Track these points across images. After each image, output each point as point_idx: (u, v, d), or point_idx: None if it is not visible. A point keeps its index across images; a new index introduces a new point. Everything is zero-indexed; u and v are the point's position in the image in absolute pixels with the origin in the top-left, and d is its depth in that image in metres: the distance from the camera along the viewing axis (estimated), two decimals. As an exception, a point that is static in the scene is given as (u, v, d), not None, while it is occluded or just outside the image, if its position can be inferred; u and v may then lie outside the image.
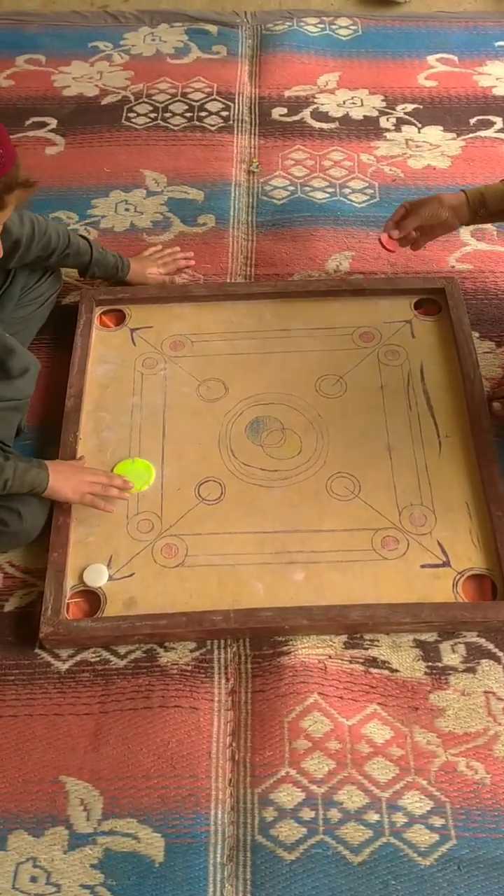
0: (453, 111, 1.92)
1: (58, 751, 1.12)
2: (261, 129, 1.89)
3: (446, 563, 1.24)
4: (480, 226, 1.68)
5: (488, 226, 1.68)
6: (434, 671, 1.17)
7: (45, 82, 2.01)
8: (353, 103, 1.94)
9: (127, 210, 1.74)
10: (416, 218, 1.40)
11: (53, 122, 1.91)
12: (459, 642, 1.19)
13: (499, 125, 1.88)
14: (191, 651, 1.19)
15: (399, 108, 1.93)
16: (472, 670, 1.17)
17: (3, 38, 2.13)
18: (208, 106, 1.94)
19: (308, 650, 1.18)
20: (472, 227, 1.67)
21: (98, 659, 1.19)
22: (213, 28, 2.14)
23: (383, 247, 1.43)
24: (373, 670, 1.17)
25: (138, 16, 2.19)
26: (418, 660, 1.18)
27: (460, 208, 1.39)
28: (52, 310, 1.54)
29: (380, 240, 1.44)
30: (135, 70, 2.04)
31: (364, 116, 1.91)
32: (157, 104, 1.95)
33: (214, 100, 1.96)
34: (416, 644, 1.19)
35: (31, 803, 1.08)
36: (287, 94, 1.97)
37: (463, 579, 1.23)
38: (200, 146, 1.86)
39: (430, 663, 1.18)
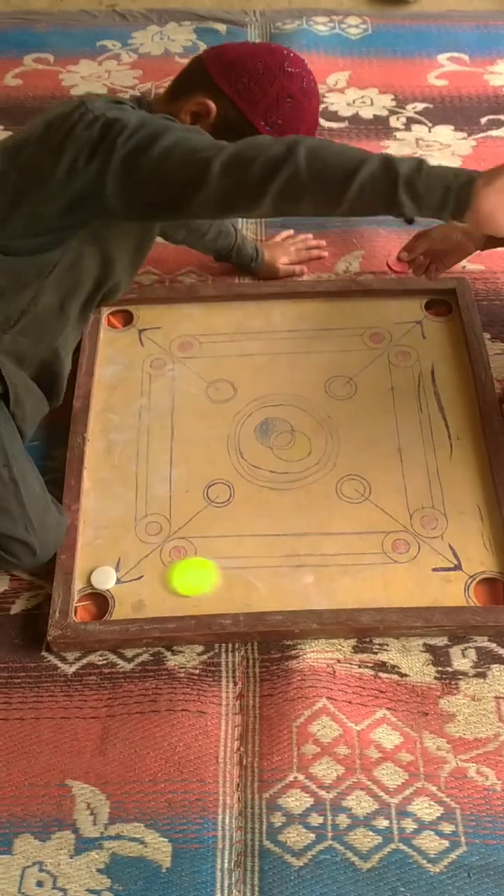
0: (464, 110, 1.90)
1: (64, 754, 1.11)
2: (270, 128, 1.88)
3: (458, 567, 1.23)
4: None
5: (499, 226, 1.66)
6: (444, 676, 1.16)
7: (53, 81, 2.01)
8: (363, 102, 1.93)
9: (135, 210, 1.73)
10: (426, 240, 1.38)
11: (62, 122, 1.90)
12: (470, 647, 1.18)
13: (510, 124, 1.87)
14: (198, 654, 1.19)
15: (409, 107, 1.92)
16: (482, 675, 1.16)
17: (12, 37, 2.13)
18: (217, 105, 1.93)
19: (317, 654, 1.17)
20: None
21: (105, 662, 1.18)
22: (221, 27, 2.13)
23: (391, 269, 1.41)
24: (382, 675, 1.16)
25: (147, 14, 2.18)
26: (428, 664, 1.17)
27: (473, 231, 1.35)
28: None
29: (387, 263, 1.42)
30: (143, 69, 2.03)
31: (374, 116, 1.90)
32: (166, 103, 1.94)
33: (223, 99, 1.94)
34: (426, 649, 1.18)
35: (37, 807, 1.08)
36: (296, 93, 1.95)
37: (474, 583, 1.22)
38: (209, 145, 1.85)
39: (440, 668, 1.17)
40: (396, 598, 1.20)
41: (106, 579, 1.23)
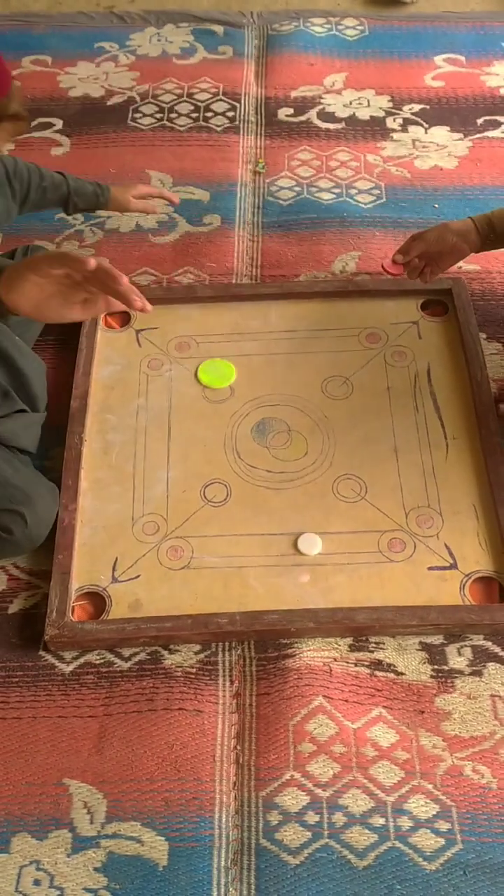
0: (460, 111, 1.91)
1: (62, 753, 1.12)
2: (267, 129, 1.89)
3: (453, 566, 1.24)
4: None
5: (495, 226, 1.67)
6: (440, 674, 1.16)
7: (51, 83, 2.01)
8: (360, 104, 1.94)
9: (133, 211, 1.73)
10: (421, 242, 1.38)
11: (59, 123, 1.91)
12: (466, 645, 1.19)
13: (506, 125, 1.88)
14: (195, 653, 1.19)
15: (406, 108, 1.92)
16: (478, 673, 1.16)
17: (10, 39, 2.13)
18: (214, 106, 1.94)
19: (313, 653, 1.18)
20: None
21: (102, 661, 1.19)
22: (219, 28, 2.13)
23: (386, 271, 1.41)
24: (378, 673, 1.17)
25: (144, 16, 2.19)
26: (424, 663, 1.17)
27: (468, 233, 1.36)
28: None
29: (382, 265, 1.41)
30: (141, 70, 2.03)
31: (371, 117, 1.90)
32: (163, 105, 1.95)
33: (220, 100, 1.95)
34: (422, 647, 1.18)
35: (34, 806, 1.08)
36: (293, 94, 1.96)
37: (470, 582, 1.22)
38: (206, 146, 1.85)
39: (435, 666, 1.17)
40: (392, 596, 1.21)
41: (312, 545, 1.25)
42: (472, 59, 2.04)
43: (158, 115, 1.92)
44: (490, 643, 1.19)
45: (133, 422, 1.40)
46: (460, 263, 1.60)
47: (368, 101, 1.94)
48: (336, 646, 1.19)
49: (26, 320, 1.42)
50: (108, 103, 1.95)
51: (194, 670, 1.17)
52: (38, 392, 1.35)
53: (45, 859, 1.04)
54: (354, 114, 1.91)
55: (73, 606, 1.21)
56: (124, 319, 1.53)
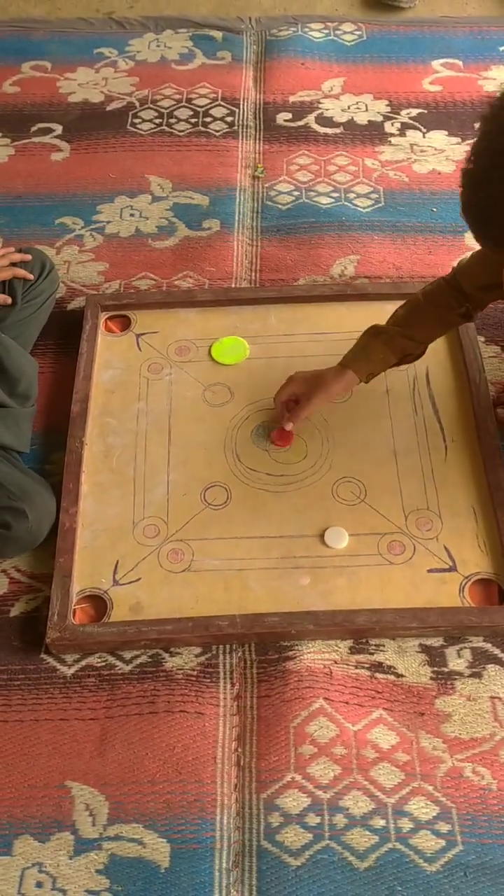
0: (458, 116, 1.92)
1: (63, 756, 1.12)
2: (265, 134, 1.90)
3: (453, 568, 1.24)
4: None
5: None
6: (440, 676, 1.17)
7: (50, 88, 2.02)
8: (358, 108, 1.94)
9: (132, 215, 1.74)
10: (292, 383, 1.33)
11: (59, 128, 1.92)
12: (465, 647, 1.19)
13: (504, 129, 1.88)
14: (196, 656, 1.19)
15: (404, 112, 1.93)
16: (478, 675, 1.17)
17: (9, 44, 2.14)
18: (213, 111, 1.95)
19: (313, 655, 1.18)
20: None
21: (104, 664, 1.19)
22: (217, 34, 2.14)
23: (274, 443, 1.37)
24: (378, 675, 1.17)
25: (143, 22, 2.20)
26: (424, 665, 1.18)
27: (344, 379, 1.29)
28: (58, 315, 1.54)
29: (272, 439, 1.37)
30: (140, 76, 2.04)
31: (369, 121, 1.91)
32: (162, 110, 1.96)
33: (219, 105, 1.96)
34: (422, 649, 1.19)
35: (36, 808, 1.08)
36: (292, 99, 1.97)
37: (469, 584, 1.22)
38: (205, 151, 1.86)
39: (435, 668, 1.18)
40: (392, 599, 1.21)
41: (338, 538, 1.26)
42: (469, 63, 2.05)
43: (157, 121, 1.93)
44: (490, 645, 1.19)
45: (133, 425, 1.41)
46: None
47: (366, 106, 1.95)
48: (336, 648, 1.19)
49: (21, 322, 1.44)
50: (108, 109, 1.96)
51: (195, 673, 1.18)
52: (23, 390, 1.35)
53: (47, 861, 1.05)
54: (352, 118, 1.92)
55: (74, 609, 1.22)
56: (124, 324, 1.54)
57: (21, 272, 1.44)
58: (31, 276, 1.45)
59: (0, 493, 1.22)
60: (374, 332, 1.31)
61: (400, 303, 1.52)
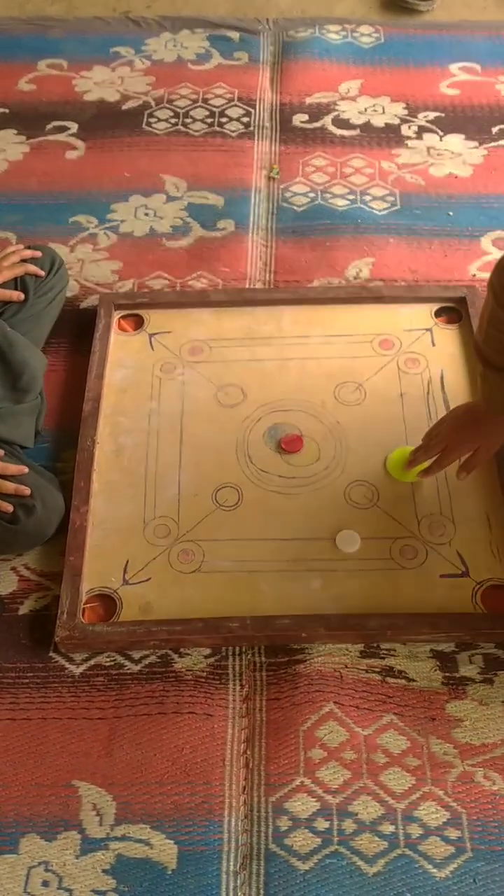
0: (475, 120, 1.91)
1: (71, 755, 1.11)
2: (282, 135, 1.89)
3: (465, 574, 1.23)
4: (502, 235, 1.67)
5: (509, 235, 1.68)
6: (451, 681, 1.16)
7: (66, 87, 2.02)
8: (375, 111, 1.94)
9: (147, 215, 1.74)
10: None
11: (74, 127, 1.92)
12: (477, 653, 1.18)
13: (521, 134, 1.88)
14: (205, 657, 1.19)
15: (421, 115, 1.92)
16: (489, 681, 1.16)
17: (26, 42, 2.14)
18: (229, 112, 1.94)
19: (324, 659, 1.18)
20: (493, 236, 1.67)
21: (112, 663, 1.19)
22: (234, 34, 2.14)
23: (283, 449, 1.35)
24: (389, 680, 1.16)
25: (160, 22, 2.20)
26: (435, 670, 1.17)
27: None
28: (71, 313, 1.54)
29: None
30: (156, 75, 2.04)
31: (385, 124, 1.91)
32: (178, 109, 1.95)
33: (235, 106, 1.96)
34: (433, 654, 1.18)
35: (43, 807, 1.08)
36: (308, 100, 1.96)
37: (482, 590, 1.22)
38: (221, 152, 1.86)
39: (447, 674, 1.17)
40: (404, 603, 1.20)
41: (351, 542, 1.25)
42: (487, 67, 2.04)
43: (173, 120, 1.93)
44: (501, 651, 1.18)
45: (145, 425, 1.40)
46: (474, 271, 1.61)
47: (383, 109, 1.94)
48: (347, 652, 1.18)
49: (32, 317, 1.43)
50: (124, 108, 1.96)
51: (204, 674, 1.17)
52: (24, 385, 1.35)
53: (53, 860, 1.04)
54: (369, 121, 1.91)
55: (83, 608, 1.21)
56: (138, 323, 1.54)
57: (33, 268, 1.44)
58: (42, 273, 1.45)
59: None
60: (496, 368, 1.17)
61: (415, 306, 1.53)
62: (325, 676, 1.16)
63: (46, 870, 1.04)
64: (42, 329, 1.48)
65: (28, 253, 1.46)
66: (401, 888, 1.01)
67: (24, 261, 1.45)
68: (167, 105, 1.96)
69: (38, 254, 1.47)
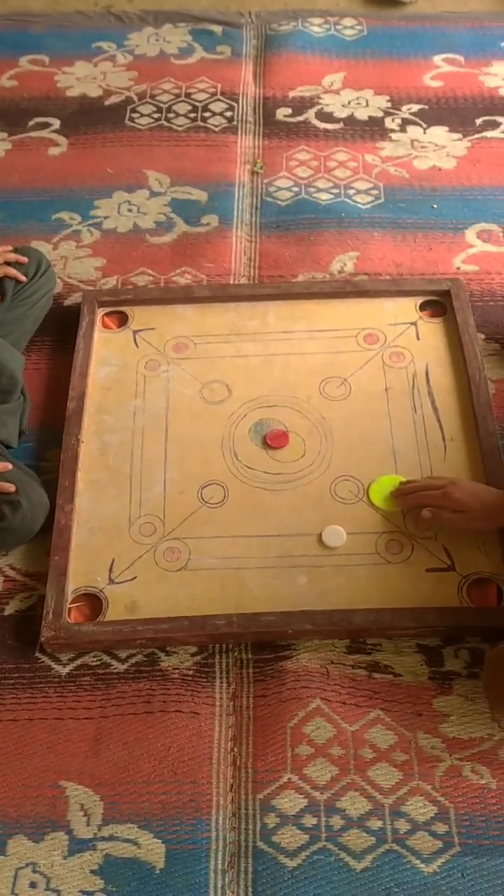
0: (459, 111, 1.90)
1: (58, 755, 1.11)
2: (265, 129, 1.89)
3: (451, 568, 1.23)
4: (486, 227, 1.67)
5: (494, 227, 1.67)
6: (437, 676, 1.16)
7: (48, 83, 2.01)
8: (358, 104, 1.93)
9: (130, 211, 1.73)
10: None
11: (56, 123, 1.91)
12: (463, 647, 1.18)
13: (505, 126, 1.88)
14: (192, 655, 1.19)
15: (404, 108, 1.92)
16: (476, 675, 1.16)
17: (7, 38, 2.13)
18: (212, 106, 1.93)
19: (310, 655, 1.17)
20: (478, 228, 1.66)
21: (99, 663, 1.18)
22: (217, 28, 2.13)
23: (269, 445, 1.34)
24: (376, 675, 1.16)
25: (142, 16, 2.18)
26: (422, 665, 1.17)
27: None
28: (55, 311, 1.53)
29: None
30: (138, 70, 2.03)
31: (369, 117, 1.90)
32: (161, 104, 1.94)
33: (218, 100, 1.95)
34: (420, 649, 1.18)
35: (30, 808, 1.07)
36: (291, 94, 1.96)
37: (468, 584, 1.22)
38: (204, 147, 1.85)
39: (434, 668, 1.17)
40: (390, 598, 1.20)
41: (337, 537, 1.25)
42: (470, 59, 2.03)
43: (156, 115, 1.92)
44: (487, 646, 1.18)
45: (130, 423, 1.39)
46: (458, 264, 1.61)
47: (367, 102, 1.94)
48: (333, 648, 1.18)
49: (13, 320, 1.43)
50: (106, 103, 1.95)
51: (191, 672, 1.17)
52: (4, 386, 1.35)
53: (41, 862, 1.04)
54: (353, 114, 1.91)
55: (69, 608, 1.21)
56: (121, 320, 1.53)
57: (13, 272, 1.43)
58: (23, 278, 1.45)
59: None
60: None
61: (400, 300, 1.52)
62: (312, 673, 1.16)
63: (34, 871, 1.03)
64: (26, 330, 1.48)
65: (12, 257, 1.46)
66: (389, 883, 1.01)
67: (7, 264, 1.44)
68: (150, 100, 1.95)
69: (24, 259, 1.47)
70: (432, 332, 1.49)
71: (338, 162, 1.81)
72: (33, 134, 1.89)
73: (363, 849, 1.04)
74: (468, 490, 1.22)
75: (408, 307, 1.52)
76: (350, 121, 1.89)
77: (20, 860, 1.04)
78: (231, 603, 1.21)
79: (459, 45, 2.07)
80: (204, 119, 1.91)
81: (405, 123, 1.88)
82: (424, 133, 1.86)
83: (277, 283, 1.58)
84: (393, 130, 1.87)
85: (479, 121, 1.88)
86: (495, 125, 1.87)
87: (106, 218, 1.72)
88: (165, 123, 1.90)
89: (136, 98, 1.96)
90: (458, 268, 1.60)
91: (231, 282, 1.60)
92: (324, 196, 1.74)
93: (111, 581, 1.24)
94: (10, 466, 1.26)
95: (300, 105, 1.93)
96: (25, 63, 2.06)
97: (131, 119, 1.91)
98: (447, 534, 1.26)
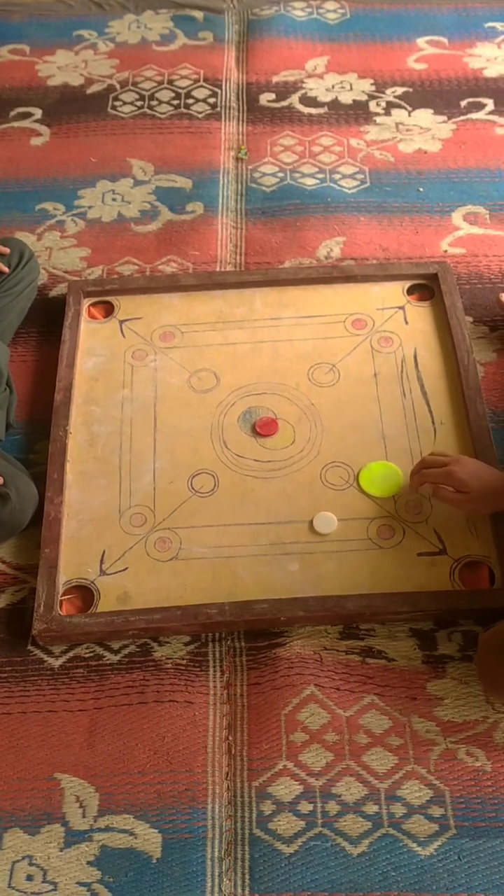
0: (444, 94, 1.89)
1: (52, 748, 1.11)
2: (249, 115, 1.87)
3: (443, 551, 1.23)
4: (473, 209, 1.66)
5: (481, 209, 1.66)
6: (431, 660, 1.16)
7: (29, 72, 1.99)
8: (342, 87, 1.92)
9: (114, 200, 1.72)
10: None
11: (38, 113, 1.89)
12: (456, 631, 1.18)
13: (490, 107, 1.86)
14: (185, 645, 1.18)
15: (389, 91, 1.90)
16: (469, 658, 1.16)
17: (-13, 28, 2.11)
18: (195, 93, 1.92)
19: (303, 641, 1.17)
20: (464, 211, 1.66)
21: (91, 654, 1.18)
22: (198, 14, 2.11)
23: (258, 433, 1.34)
24: (369, 660, 1.16)
25: (123, 3, 2.16)
26: (415, 649, 1.17)
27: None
28: (40, 302, 1.52)
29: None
30: (120, 58, 2.01)
31: (353, 101, 1.89)
32: (144, 92, 1.93)
33: (201, 86, 1.93)
34: (413, 633, 1.18)
35: (26, 801, 1.07)
36: (275, 79, 1.94)
37: (460, 567, 1.21)
38: (188, 134, 1.84)
39: (427, 652, 1.17)
40: (382, 583, 1.20)
41: (327, 524, 1.24)
42: (454, 40, 2.02)
43: (139, 103, 1.90)
44: (480, 628, 1.18)
45: (118, 413, 1.39)
46: (445, 247, 1.60)
47: (351, 85, 1.92)
48: (326, 634, 1.18)
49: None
50: (88, 92, 1.93)
51: (184, 662, 1.17)
52: None
53: (37, 854, 1.04)
54: (337, 98, 1.89)
55: (60, 600, 1.20)
56: (108, 310, 1.52)
57: None
58: (5, 269, 1.43)
59: None
60: None
61: (387, 284, 1.52)
62: (305, 659, 1.16)
63: (30, 864, 1.03)
64: (11, 321, 1.46)
65: None
66: (385, 867, 1.01)
67: None
68: (132, 88, 1.94)
69: (6, 250, 1.45)
70: (420, 315, 1.48)
71: (322, 147, 1.80)
72: (15, 124, 1.87)
73: (359, 834, 1.04)
74: (471, 470, 1.20)
75: (395, 291, 1.51)
76: (334, 105, 1.88)
77: (16, 853, 1.04)
78: (223, 591, 1.20)
79: (443, 26, 2.06)
80: (187, 106, 1.89)
81: (390, 107, 1.87)
82: (409, 116, 1.85)
83: (264, 270, 1.57)
84: (377, 114, 1.86)
85: (463, 103, 1.87)
86: (480, 107, 1.86)
87: (90, 207, 1.70)
88: (148, 111, 1.89)
89: (118, 86, 1.94)
90: (445, 251, 1.60)
91: (217, 269, 1.59)
92: (309, 181, 1.73)
93: (102, 572, 1.23)
94: None
95: (284, 90, 1.92)
96: (6, 53, 2.04)
97: (114, 107, 1.90)
98: (438, 517, 1.25)
